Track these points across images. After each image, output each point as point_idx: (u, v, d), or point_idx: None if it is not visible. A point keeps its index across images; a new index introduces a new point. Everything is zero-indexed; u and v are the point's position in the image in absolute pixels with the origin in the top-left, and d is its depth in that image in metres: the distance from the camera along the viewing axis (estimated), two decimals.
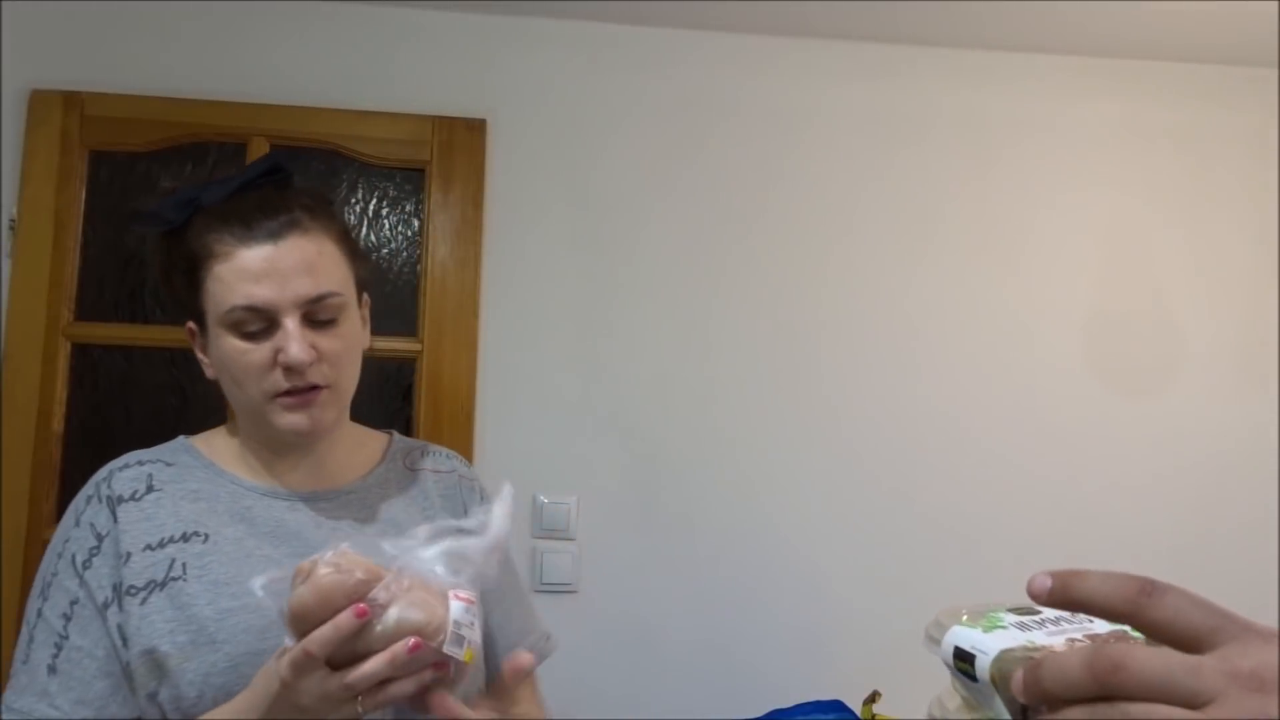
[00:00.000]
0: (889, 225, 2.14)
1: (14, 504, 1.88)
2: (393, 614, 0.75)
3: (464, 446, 1.98)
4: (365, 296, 1.06)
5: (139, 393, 1.98)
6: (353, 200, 2.07)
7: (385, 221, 2.08)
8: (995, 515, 2.09)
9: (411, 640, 0.75)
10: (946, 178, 2.16)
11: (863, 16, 2.06)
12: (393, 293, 2.04)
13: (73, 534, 0.96)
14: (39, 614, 0.94)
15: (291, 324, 0.94)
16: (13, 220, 1.93)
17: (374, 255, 2.04)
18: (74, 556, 0.94)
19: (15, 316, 1.92)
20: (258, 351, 0.95)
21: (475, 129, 2.07)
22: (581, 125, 2.11)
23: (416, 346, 2.02)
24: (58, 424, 1.93)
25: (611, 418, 2.05)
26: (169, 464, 1.01)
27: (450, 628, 0.76)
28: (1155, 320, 2.17)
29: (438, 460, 1.13)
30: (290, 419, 0.96)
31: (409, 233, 2.08)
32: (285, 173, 1.02)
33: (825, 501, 2.07)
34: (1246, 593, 2.10)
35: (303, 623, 0.75)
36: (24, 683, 0.91)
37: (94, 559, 0.94)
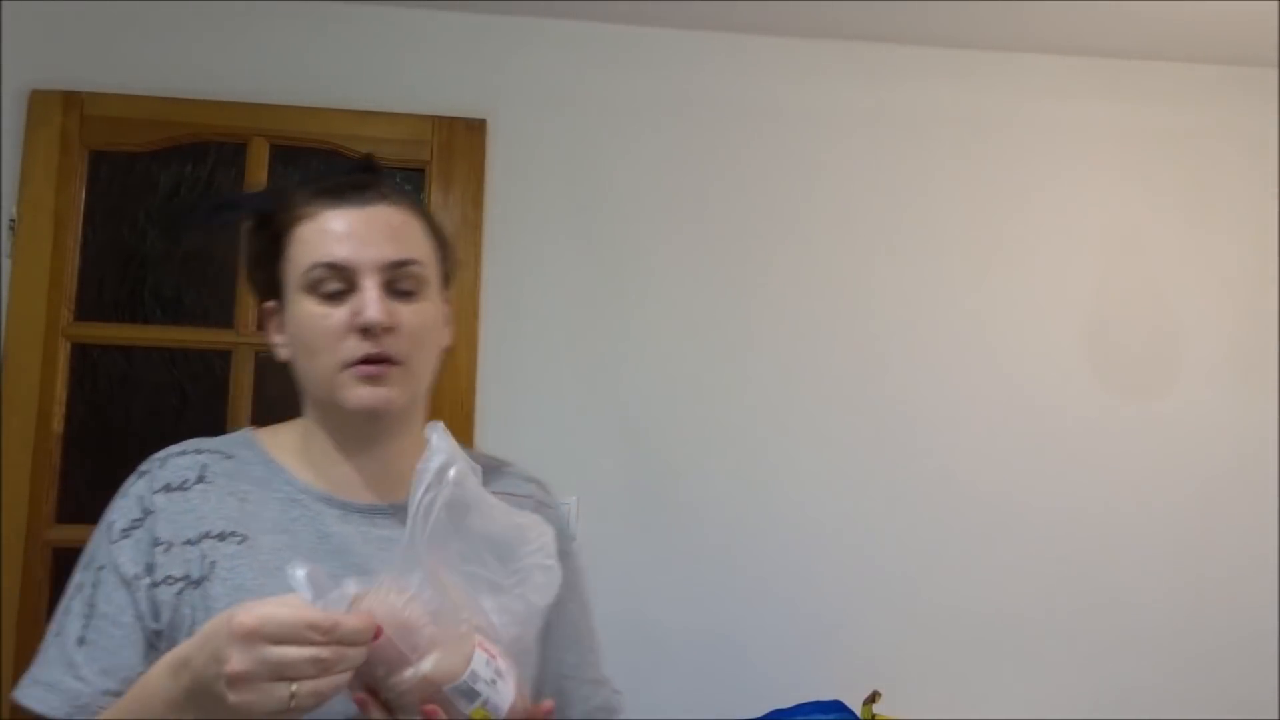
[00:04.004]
0: (889, 224, 2.14)
1: (14, 504, 1.87)
2: (426, 664, 0.75)
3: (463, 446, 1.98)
4: (449, 293, 1.03)
5: (139, 393, 1.98)
6: None
7: None
8: (996, 516, 2.09)
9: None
10: (946, 177, 2.16)
11: (863, 16, 2.06)
12: None
13: (119, 505, 0.95)
14: (78, 585, 0.93)
15: (370, 285, 0.92)
16: (13, 220, 1.93)
17: None
18: (113, 524, 0.94)
19: (15, 316, 1.92)
20: (334, 315, 0.93)
21: (475, 129, 2.07)
22: (582, 125, 2.11)
23: None
24: (58, 424, 1.93)
25: (612, 418, 2.05)
26: (228, 456, 0.98)
27: (466, 678, 0.76)
28: (1155, 320, 2.17)
29: (513, 483, 1.05)
30: (360, 392, 0.93)
31: None
32: (376, 170, 1.03)
33: (825, 502, 2.07)
34: (1246, 592, 2.12)
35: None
36: (53, 655, 0.90)
37: (134, 530, 0.93)
